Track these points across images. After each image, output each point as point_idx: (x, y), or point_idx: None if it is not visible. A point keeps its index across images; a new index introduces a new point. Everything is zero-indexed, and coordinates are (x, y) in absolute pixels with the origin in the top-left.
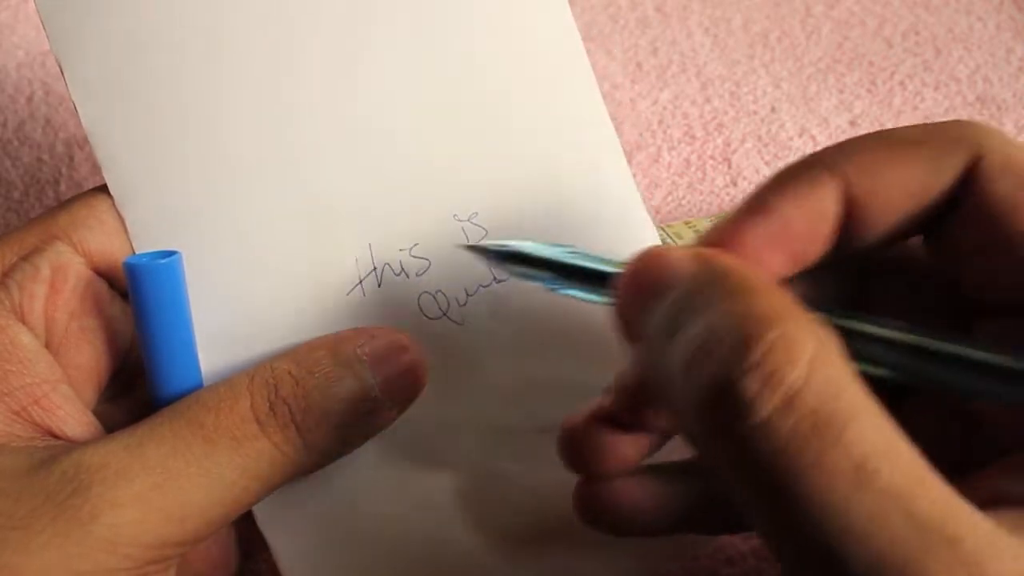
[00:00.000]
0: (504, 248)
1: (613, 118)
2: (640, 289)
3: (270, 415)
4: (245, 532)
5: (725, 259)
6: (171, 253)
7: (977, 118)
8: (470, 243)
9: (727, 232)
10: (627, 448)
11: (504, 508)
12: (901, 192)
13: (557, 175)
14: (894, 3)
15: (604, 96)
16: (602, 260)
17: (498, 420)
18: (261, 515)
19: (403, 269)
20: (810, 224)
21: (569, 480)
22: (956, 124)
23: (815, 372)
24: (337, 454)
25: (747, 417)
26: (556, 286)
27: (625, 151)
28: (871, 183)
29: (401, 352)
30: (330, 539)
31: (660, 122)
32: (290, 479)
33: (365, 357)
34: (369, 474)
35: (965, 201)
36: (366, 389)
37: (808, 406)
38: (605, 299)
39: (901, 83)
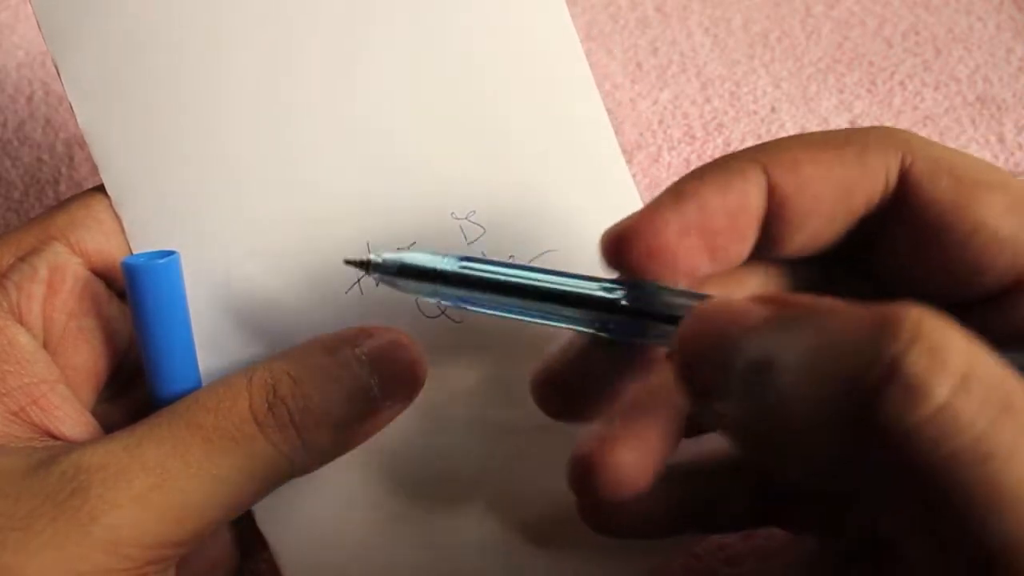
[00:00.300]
0: (389, 261)
1: (613, 118)
2: (709, 344)
3: (269, 415)
4: (245, 532)
5: (798, 297)
6: (169, 253)
7: (977, 118)
8: (350, 257)
9: (643, 220)
10: (636, 474)
11: (504, 506)
12: (827, 189)
13: (555, 174)
14: (894, 3)
15: (604, 96)
16: (506, 268)
17: (497, 418)
18: (261, 515)
19: None
20: (731, 217)
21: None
22: (880, 129)
23: (975, 350)
24: (336, 453)
25: (920, 404)
26: (453, 302)
27: (625, 151)
28: (796, 179)
29: (400, 351)
30: (330, 539)
31: (660, 122)
32: (289, 479)
33: (364, 356)
34: (368, 473)
35: (901, 206)
36: (365, 388)
37: (987, 385)
38: (514, 314)
39: (901, 83)
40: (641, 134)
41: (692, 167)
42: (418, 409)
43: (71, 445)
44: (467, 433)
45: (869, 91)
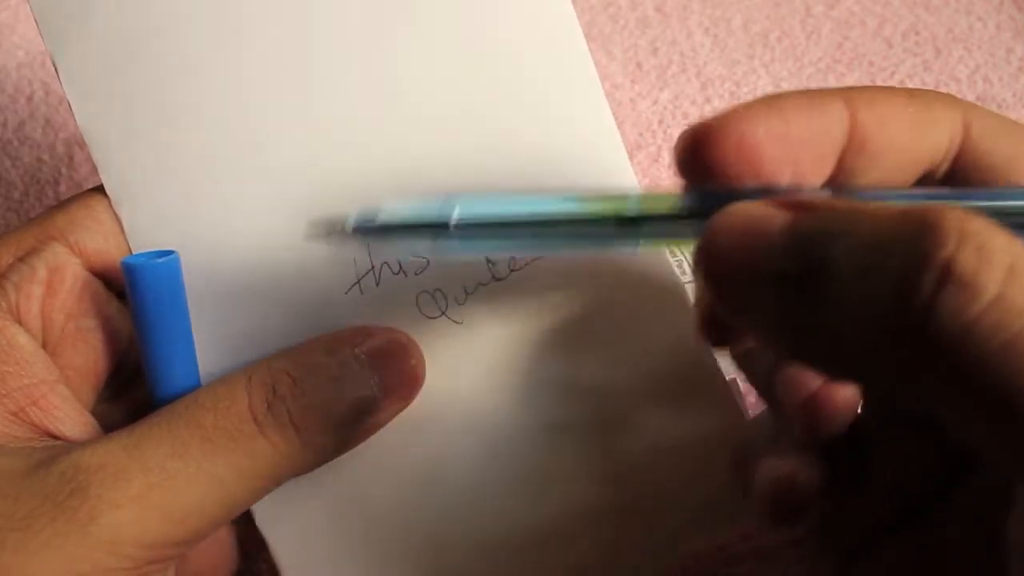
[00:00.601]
0: (368, 222)
1: (613, 118)
2: (735, 261)
3: (268, 415)
4: (245, 532)
5: (817, 199)
6: (169, 253)
7: None
8: (316, 222)
9: (735, 117)
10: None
11: (505, 508)
12: (903, 130)
13: (558, 172)
14: (894, 3)
15: (604, 96)
16: (504, 207)
17: (498, 419)
18: (261, 515)
19: (401, 268)
20: (814, 136)
21: (570, 478)
22: (940, 92)
23: (1015, 243)
24: (335, 453)
25: (974, 300)
26: (446, 252)
27: (625, 151)
28: (876, 116)
29: (399, 351)
30: (330, 539)
31: (660, 122)
32: (289, 478)
33: (363, 356)
34: (368, 473)
35: (959, 163)
36: (364, 388)
37: None
38: (521, 251)
39: (901, 83)
40: (641, 134)
41: None
42: (418, 409)
43: (71, 445)
44: (467, 433)
45: None
